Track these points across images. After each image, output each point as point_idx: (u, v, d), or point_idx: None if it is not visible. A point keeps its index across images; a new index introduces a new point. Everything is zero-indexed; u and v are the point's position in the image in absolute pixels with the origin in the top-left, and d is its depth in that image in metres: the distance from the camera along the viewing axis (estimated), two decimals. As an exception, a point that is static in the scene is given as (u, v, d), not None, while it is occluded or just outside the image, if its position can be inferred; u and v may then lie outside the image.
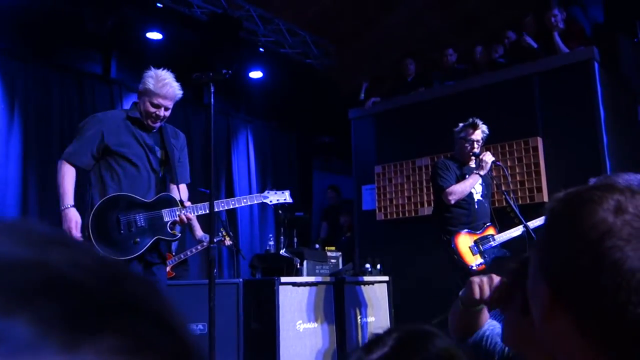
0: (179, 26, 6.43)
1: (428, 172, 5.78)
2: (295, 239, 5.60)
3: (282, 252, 4.83)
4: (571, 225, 0.70)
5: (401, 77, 6.84)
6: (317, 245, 5.70)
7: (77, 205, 3.03)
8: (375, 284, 5.18)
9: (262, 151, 8.15)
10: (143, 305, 0.28)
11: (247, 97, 7.76)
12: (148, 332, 0.27)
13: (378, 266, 5.37)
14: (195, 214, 3.12)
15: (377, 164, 6.42)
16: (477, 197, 4.06)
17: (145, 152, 3.10)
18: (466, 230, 3.93)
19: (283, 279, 4.35)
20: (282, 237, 5.44)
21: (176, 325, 0.29)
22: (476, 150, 4.06)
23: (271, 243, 5.39)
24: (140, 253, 2.98)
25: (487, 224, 4.05)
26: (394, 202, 6.22)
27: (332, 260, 5.16)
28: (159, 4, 6.15)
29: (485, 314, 1.33)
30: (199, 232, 4.58)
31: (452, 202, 3.92)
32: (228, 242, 4.95)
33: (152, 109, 3.07)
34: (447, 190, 3.93)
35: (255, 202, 3.38)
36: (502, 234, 3.99)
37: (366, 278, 5.10)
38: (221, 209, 3.24)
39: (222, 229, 4.95)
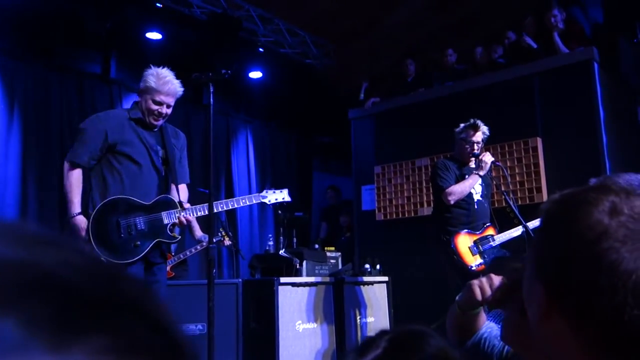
0: (179, 26, 6.43)
1: (428, 172, 5.78)
2: (295, 239, 5.60)
3: (281, 252, 4.82)
4: (567, 226, 0.70)
5: (401, 78, 6.84)
6: (316, 246, 5.70)
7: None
8: (375, 284, 5.18)
9: (262, 151, 8.15)
10: (135, 306, 0.28)
11: (247, 97, 7.75)
12: (140, 332, 0.26)
13: (377, 266, 5.37)
14: (195, 215, 3.12)
15: (377, 164, 6.42)
16: (476, 197, 4.06)
17: (147, 150, 3.10)
18: (466, 230, 3.93)
19: (282, 279, 4.35)
20: (281, 237, 5.44)
21: (169, 325, 0.29)
22: (476, 151, 4.06)
23: (270, 243, 5.39)
24: (141, 256, 2.99)
25: (487, 224, 4.05)
26: (394, 203, 6.22)
27: (332, 261, 5.16)
28: (158, 4, 6.15)
29: (483, 316, 1.33)
30: (198, 232, 4.58)
31: (452, 202, 3.92)
32: (227, 242, 4.95)
33: (155, 107, 3.08)
34: (447, 190, 3.93)
35: (254, 202, 3.38)
36: (502, 234, 3.99)
37: (365, 278, 5.10)
38: (220, 209, 3.24)
39: (221, 229, 4.94)
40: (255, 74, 7.39)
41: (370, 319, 4.98)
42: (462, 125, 4.14)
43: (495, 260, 3.90)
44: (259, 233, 7.70)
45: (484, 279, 1.20)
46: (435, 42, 6.72)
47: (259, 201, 3.38)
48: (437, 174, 4.06)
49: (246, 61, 7.15)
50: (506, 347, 1.24)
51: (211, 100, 2.91)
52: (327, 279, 4.77)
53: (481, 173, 3.97)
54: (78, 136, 3.11)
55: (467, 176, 4.01)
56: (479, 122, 4.06)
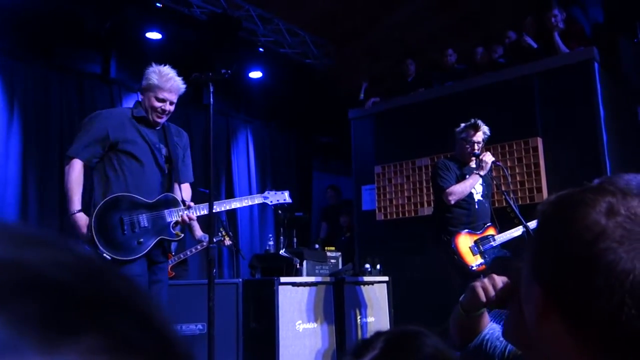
0: (179, 26, 6.43)
1: (428, 172, 5.78)
2: (295, 239, 5.60)
3: (281, 252, 4.82)
4: (563, 227, 0.70)
5: (401, 77, 6.84)
6: (316, 246, 5.70)
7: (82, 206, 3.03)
8: (375, 284, 5.18)
9: (262, 151, 8.15)
10: (126, 304, 0.27)
11: (247, 97, 7.75)
12: (131, 331, 0.26)
13: (378, 266, 5.37)
14: (198, 214, 3.12)
15: (377, 164, 6.42)
16: (477, 197, 4.05)
17: (150, 148, 3.09)
18: (466, 230, 3.93)
19: (282, 279, 4.35)
20: (281, 237, 5.44)
21: (161, 324, 0.28)
22: (477, 151, 4.06)
23: (271, 243, 5.39)
24: (144, 253, 2.98)
25: (488, 224, 4.05)
26: (394, 203, 6.21)
27: (332, 261, 5.16)
28: (158, 4, 6.15)
29: (486, 318, 1.33)
30: (198, 232, 4.58)
31: (452, 202, 3.92)
32: (228, 242, 4.95)
33: (158, 104, 3.08)
34: (447, 190, 3.93)
35: (256, 202, 3.41)
36: (503, 234, 3.98)
37: (366, 278, 5.10)
38: (222, 209, 3.24)
39: (221, 229, 4.94)
40: (255, 74, 7.39)
41: (370, 319, 4.98)
42: (462, 125, 4.13)
43: (496, 260, 3.90)
44: (259, 233, 7.70)
45: (486, 280, 1.20)
46: (435, 42, 6.72)
47: (261, 202, 3.41)
48: (437, 173, 4.06)
49: (246, 61, 7.15)
50: (507, 348, 1.24)
51: (211, 100, 2.91)
52: (328, 279, 4.77)
53: (482, 173, 3.97)
54: (79, 132, 3.10)
55: (467, 176, 4.00)
56: (479, 121, 4.06)
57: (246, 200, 3.34)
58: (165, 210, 3.06)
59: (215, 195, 3.33)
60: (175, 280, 4.71)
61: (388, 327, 5.01)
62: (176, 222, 3.09)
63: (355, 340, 4.73)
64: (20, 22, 5.39)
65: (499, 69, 5.83)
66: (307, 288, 4.56)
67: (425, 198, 5.95)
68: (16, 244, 0.26)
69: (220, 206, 3.21)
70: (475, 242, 3.90)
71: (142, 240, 2.96)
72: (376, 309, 5.09)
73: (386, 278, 5.30)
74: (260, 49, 7.23)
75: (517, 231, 3.93)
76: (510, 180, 4.77)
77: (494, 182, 4.34)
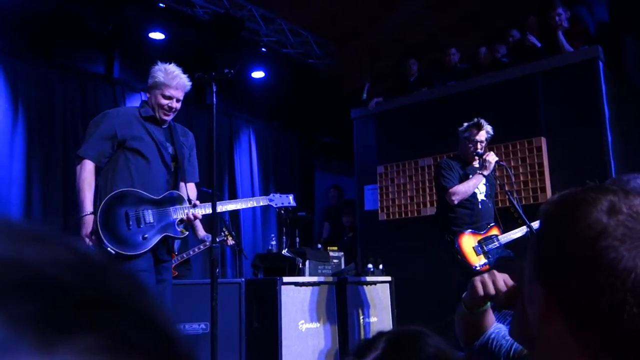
0: (181, 26, 6.44)
1: (431, 172, 5.77)
2: (298, 239, 5.59)
3: (284, 252, 4.82)
4: (566, 226, 0.70)
5: (403, 77, 6.83)
6: (319, 245, 5.69)
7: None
8: (378, 284, 5.18)
9: (265, 151, 8.15)
10: (126, 303, 0.27)
11: (249, 97, 7.75)
12: (131, 330, 0.25)
13: (380, 266, 5.36)
14: (203, 212, 3.12)
15: (380, 164, 6.41)
16: (480, 197, 4.04)
17: (157, 146, 3.10)
18: (470, 230, 3.91)
19: (285, 279, 4.34)
20: (284, 237, 5.43)
21: (162, 323, 0.28)
22: (480, 150, 4.05)
23: (273, 243, 5.39)
24: (149, 249, 2.97)
25: (491, 224, 4.04)
26: (397, 202, 6.21)
27: (335, 260, 5.15)
28: (161, 4, 6.16)
29: (491, 317, 1.32)
30: (201, 231, 4.56)
31: (456, 202, 3.91)
32: (230, 241, 4.95)
33: (165, 101, 3.10)
34: (450, 190, 3.92)
35: (262, 203, 3.45)
36: (506, 234, 3.97)
37: (368, 278, 5.09)
38: (228, 209, 3.26)
39: (224, 229, 4.94)
40: (258, 74, 7.39)
41: (373, 319, 4.97)
42: (465, 124, 4.12)
43: (500, 260, 3.89)
44: (261, 233, 7.70)
45: (486, 275, 1.21)
46: (437, 42, 6.71)
47: (266, 204, 3.46)
48: (440, 173, 4.05)
49: (248, 61, 7.15)
50: (513, 347, 1.23)
51: (214, 99, 2.91)
52: (330, 279, 4.76)
53: (485, 173, 3.96)
54: (87, 132, 3.10)
55: (470, 176, 3.99)
56: (482, 121, 4.05)
57: (251, 202, 3.37)
58: (171, 207, 3.06)
59: (218, 195, 3.33)
60: (178, 280, 4.71)
61: (391, 327, 5.01)
62: (181, 220, 3.09)
63: (358, 340, 4.72)
64: (24, 23, 5.40)
65: (502, 69, 5.82)
66: (310, 288, 4.55)
67: (428, 198, 5.94)
68: (16, 241, 0.26)
69: (225, 206, 3.22)
70: (479, 242, 3.89)
71: (147, 235, 2.96)
72: (379, 309, 5.08)
73: (389, 278, 5.30)
74: (263, 49, 7.23)
75: (520, 231, 3.92)
76: (513, 180, 4.76)
77: (498, 182, 4.32)
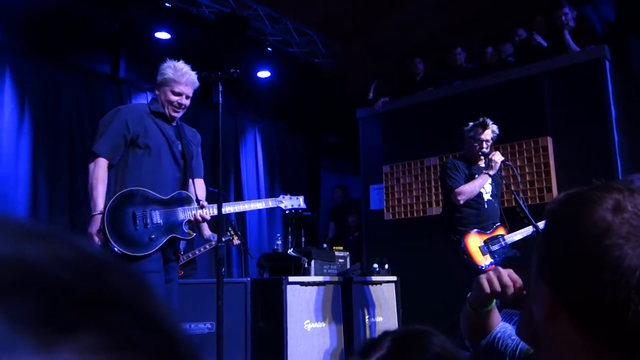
0: (187, 26, 6.45)
1: (436, 171, 5.76)
2: (303, 239, 5.59)
3: (289, 251, 4.82)
4: (571, 224, 0.71)
5: (409, 77, 6.82)
6: (324, 245, 5.69)
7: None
8: (383, 284, 5.17)
9: (270, 151, 8.15)
10: (128, 302, 0.27)
11: (255, 97, 7.76)
12: (132, 329, 0.25)
13: (386, 266, 5.36)
14: (211, 213, 3.11)
15: (385, 163, 6.41)
16: (486, 197, 4.03)
17: (167, 142, 3.11)
18: (476, 230, 3.91)
19: (291, 279, 4.35)
20: (289, 237, 5.43)
21: (165, 323, 0.27)
22: (485, 149, 4.03)
23: (279, 242, 5.39)
24: (156, 250, 2.96)
25: (497, 224, 4.03)
26: (402, 202, 6.20)
27: (340, 260, 5.15)
28: (167, 4, 6.17)
29: (497, 316, 1.32)
30: (207, 231, 4.58)
31: (461, 202, 3.90)
32: (236, 241, 4.95)
33: (175, 98, 3.11)
34: (456, 190, 3.91)
35: (271, 205, 3.43)
36: (512, 234, 3.96)
37: (374, 278, 5.09)
38: (237, 210, 3.26)
39: (230, 229, 4.95)
40: (264, 74, 7.39)
41: (378, 319, 4.97)
42: (471, 123, 4.12)
43: (506, 261, 3.88)
44: (267, 232, 7.71)
45: (491, 273, 1.20)
46: (443, 41, 6.69)
47: (275, 205, 3.42)
48: (446, 173, 4.04)
49: (254, 60, 7.15)
50: (519, 346, 1.23)
51: (220, 98, 2.91)
52: (336, 279, 4.76)
53: (491, 172, 3.94)
54: (100, 128, 3.08)
55: (476, 175, 3.98)
56: (488, 120, 4.04)
57: (260, 203, 3.36)
58: (179, 208, 3.06)
59: (224, 195, 3.33)
60: (184, 279, 4.72)
61: (396, 327, 5.00)
62: (189, 221, 3.09)
63: (363, 340, 4.72)
64: (30, 23, 5.42)
65: (508, 68, 5.80)
66: (315, 287, 4.56)
67: (433, 198, 5.93)
68: (17, 239, 0.26)
69: (233, 208, 3.22)
70: (485, 242, 3.88)
71: (153, 236, 2.95)
72: (384, 309, 5.07)
73: (394, 278, 5.29)
74: (269, 49, 7.24)
75: (526, 231, 3.90)
76: (519, 179, 4.74)
77: (504, 182, 4.31)
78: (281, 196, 3.48)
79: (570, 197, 0.74)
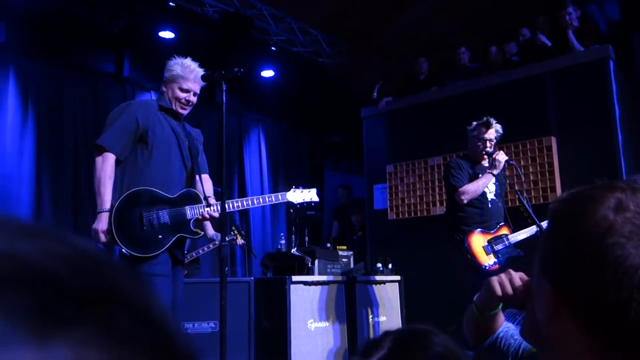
0: (191, 25, 6.46)
1: (440, 171, 5.75)
2: (307, 238, 5.59)
3: (293, 250, 4.82)
4: (573, 223, 0.71)
5: (413, 76, 6.81)
6: (328, 244, 5.69)
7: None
8: (387, 284, 5.17)
9: (274, 150, 8.16)
10: (122, 297, 0.27)
11: (259, 96, 7.76)
12: (126, 324, 0.25)
13: (389, 265, 5.35)
14: (218, 210, 3.09)
15: (389, 163, 6.40)
16: (490, 196, 4.03)
17: (177, 138, 3.10)
18: (479, 229, 3.90)
19: (294, 278, 4.35)
20: (293, 236, 5.43)
21: (159, 318, 0.28)
22: (489, 149, 4.03)
23: (282, 242, 5.39)
24: (164, 250, 2.94)
25: (501, 224, 4.02)
26: (406, 202, 6.19)
27: (344, 260, 5.15)
28: (171, 3, 6.18)
29: (501, 318, 1.31)
30: (210, 230, 4.59)
31: (465, 201, 3.90)
32: (240, 241, 4.96)
33: (182, 94, 3.10)
34: (460, 189, 3.91)
35: (281, 200, 3.28)
36: (516, 233, 3.96)
37: (378, 277, 5.09)
38: (245, 207, 3.23)
39: (233, 228, 4.95)
40: (267, 73, 7.40)
41: (382, 318, 4.97)
42: (474, 123, 4.11)
43: (510, 260, 3.87)
44: (271, 231, 7.71)
45: (503, 275, 1.18)
46: (447, 41, 6.68)
47: (285, 201, 3.26)
48: (450, 172, 4.03)
49: (258, 60, 7.16)
50: (522, 346, 1.22)
51: (224, 97, 2.90)
52: (339, 278, 4.76)
53: (495, 172, 3.94)
54: (108, 121, 3.04)
55: (480, 175, 3.98)
56: (491, 119, 4.04)
57: (268, 198, 3.28)
58: (187, 207, 3.04)
59: (227, 194, 3.33)
60: (187, 279, 4.72)
61: (400, 326, 5.00)
62: (197, 219, 3.08)
63: (366, 340, 4.72)
64: (34, 22, 5.44)
65: (512, 68, 5.78)
66: (319, 287, 4.56)
67: (437, 197, 5.93)
68: (11, 235, 0.26)
69: (244, 204, 3.19)
70: (489, 241, 3.87)
71: (160, 237, 2.93)
72: (388, 308, 5.07)
73: (398, 277, 5.29)
74: (273, 48, 7.24)
75: (530, 231, 3.90)
76: (523, 179, 4.73)
77: (507, 182, 4.31)
78: (292, 189, 3.30)
79: (573, 196, 0.74)
